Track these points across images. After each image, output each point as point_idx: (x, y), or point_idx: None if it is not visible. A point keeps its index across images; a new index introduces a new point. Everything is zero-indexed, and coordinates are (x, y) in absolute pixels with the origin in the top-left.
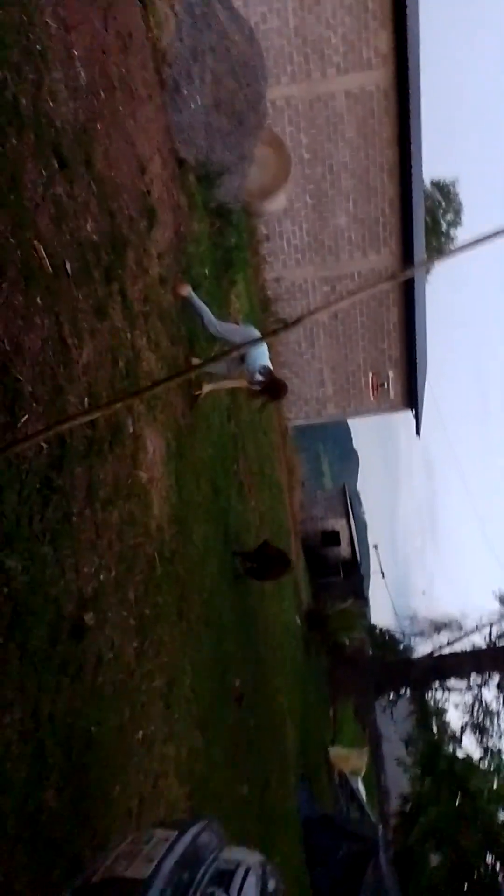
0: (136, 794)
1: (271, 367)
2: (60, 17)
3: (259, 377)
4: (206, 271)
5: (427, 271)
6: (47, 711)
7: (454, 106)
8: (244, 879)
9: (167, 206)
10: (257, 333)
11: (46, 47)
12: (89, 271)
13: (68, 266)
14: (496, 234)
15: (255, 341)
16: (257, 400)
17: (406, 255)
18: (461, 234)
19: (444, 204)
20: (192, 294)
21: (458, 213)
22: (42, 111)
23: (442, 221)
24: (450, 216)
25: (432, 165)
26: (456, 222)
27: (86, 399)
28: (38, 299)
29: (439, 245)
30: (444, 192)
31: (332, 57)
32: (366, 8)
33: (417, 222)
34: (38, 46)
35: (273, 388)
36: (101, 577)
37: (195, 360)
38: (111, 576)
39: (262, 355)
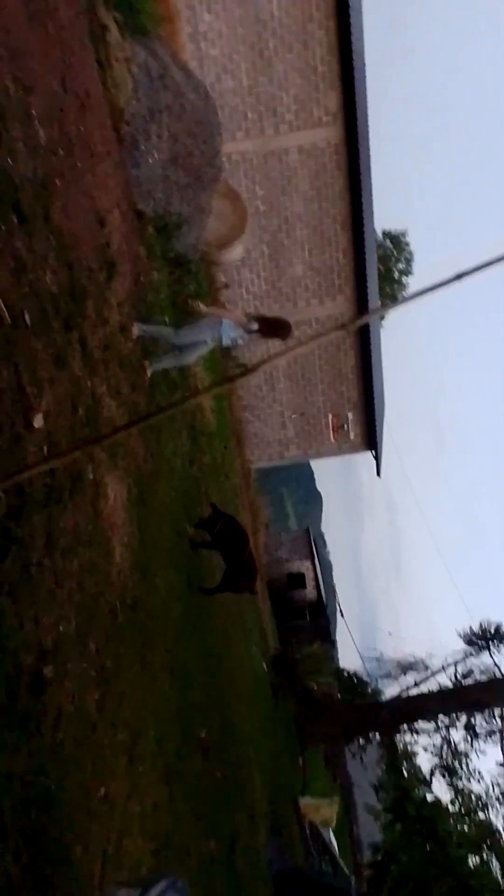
0: (100, 854)
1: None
2: (18, 78)
3: (252, 325)
4: (166, 319)
5: (381, 318)
6: (5, 770)
7: (404, 160)
8: None
9: (126, 257)
10: (221, 320)
11: (5, 108)
12: (48, 321)
13: (27, 316)
14: (443, 283)
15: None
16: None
17: (360, 302)
18: (412, 282)
19: (395, 253)
20: (143, 327)
21: (409, 261)
22: (1, 168)
23: (394, 269)
24: (401, 265)
25: (383, 216)
26: (407, 270)
27: (45, 447)
28: None
29: (392, 292)
30: (396, 242)
31: (284, 115)
32: (315, 70)
33: (370, 270)
34: None
35: (275, 326)
36: (61, 627)
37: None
38: (71, 626)
39: (227, 327)
